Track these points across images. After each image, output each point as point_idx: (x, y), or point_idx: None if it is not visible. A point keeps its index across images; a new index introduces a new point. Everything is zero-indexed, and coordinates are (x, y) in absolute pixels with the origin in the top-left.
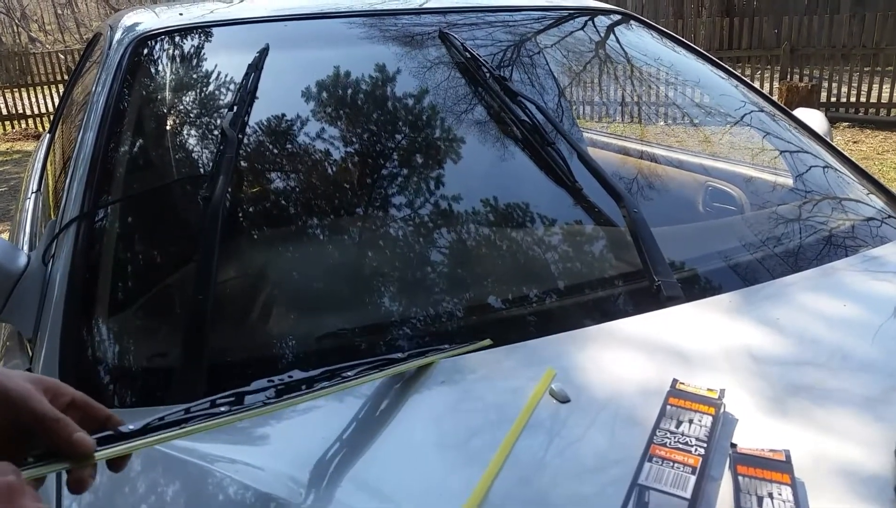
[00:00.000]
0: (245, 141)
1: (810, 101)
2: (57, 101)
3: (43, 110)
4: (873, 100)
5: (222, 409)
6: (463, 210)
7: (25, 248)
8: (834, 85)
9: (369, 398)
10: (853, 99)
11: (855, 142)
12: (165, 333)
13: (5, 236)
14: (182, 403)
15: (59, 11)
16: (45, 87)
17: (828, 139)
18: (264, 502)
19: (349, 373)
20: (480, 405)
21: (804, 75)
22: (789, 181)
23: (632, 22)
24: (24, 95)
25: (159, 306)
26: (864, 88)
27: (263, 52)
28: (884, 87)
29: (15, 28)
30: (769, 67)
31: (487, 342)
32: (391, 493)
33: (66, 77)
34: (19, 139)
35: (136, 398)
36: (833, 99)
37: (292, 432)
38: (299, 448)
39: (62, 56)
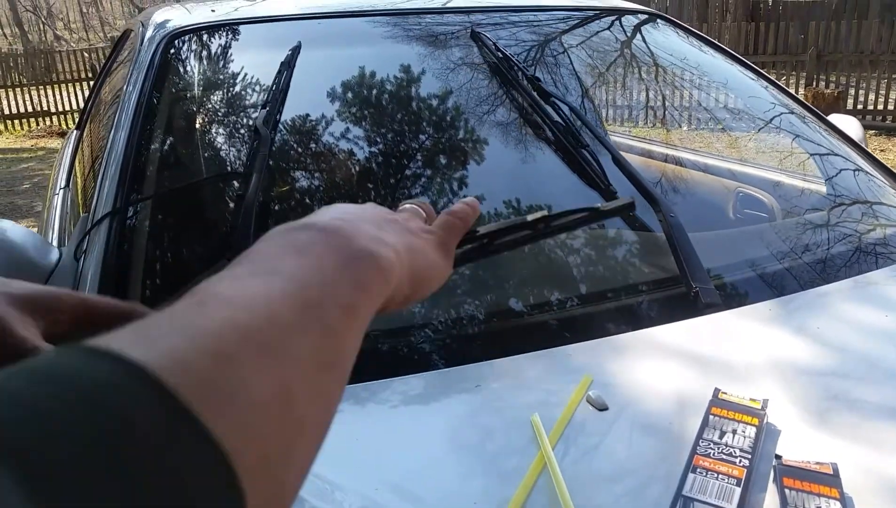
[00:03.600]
0: (278, 139)
1: (836, 108)
2: (81, 98)
3: (67, 108)
4: None
5: None
6: (496, 213)
7: (54, 244)
8: (861, 92)
9: (402, 400)
10: (880, 106)
11: (882, 150)
12: None
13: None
14: None
15: (85, 10)
16: (70, 84)
17: (863, 146)
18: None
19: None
20: (516, 410)
21: (830, 81)
22: (822, 188)
23: (658, 21)
24: (49, 92)
25: None
26: (893, 95)
27: (296, 50)
28: None
29: (41, 26)
30: (794, 72)
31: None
32: (426, 499)
33: (89, 75)
34: (43, 136)
35: None
36: (860, 106)
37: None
38: (329, 447)
39: (86, 54)
